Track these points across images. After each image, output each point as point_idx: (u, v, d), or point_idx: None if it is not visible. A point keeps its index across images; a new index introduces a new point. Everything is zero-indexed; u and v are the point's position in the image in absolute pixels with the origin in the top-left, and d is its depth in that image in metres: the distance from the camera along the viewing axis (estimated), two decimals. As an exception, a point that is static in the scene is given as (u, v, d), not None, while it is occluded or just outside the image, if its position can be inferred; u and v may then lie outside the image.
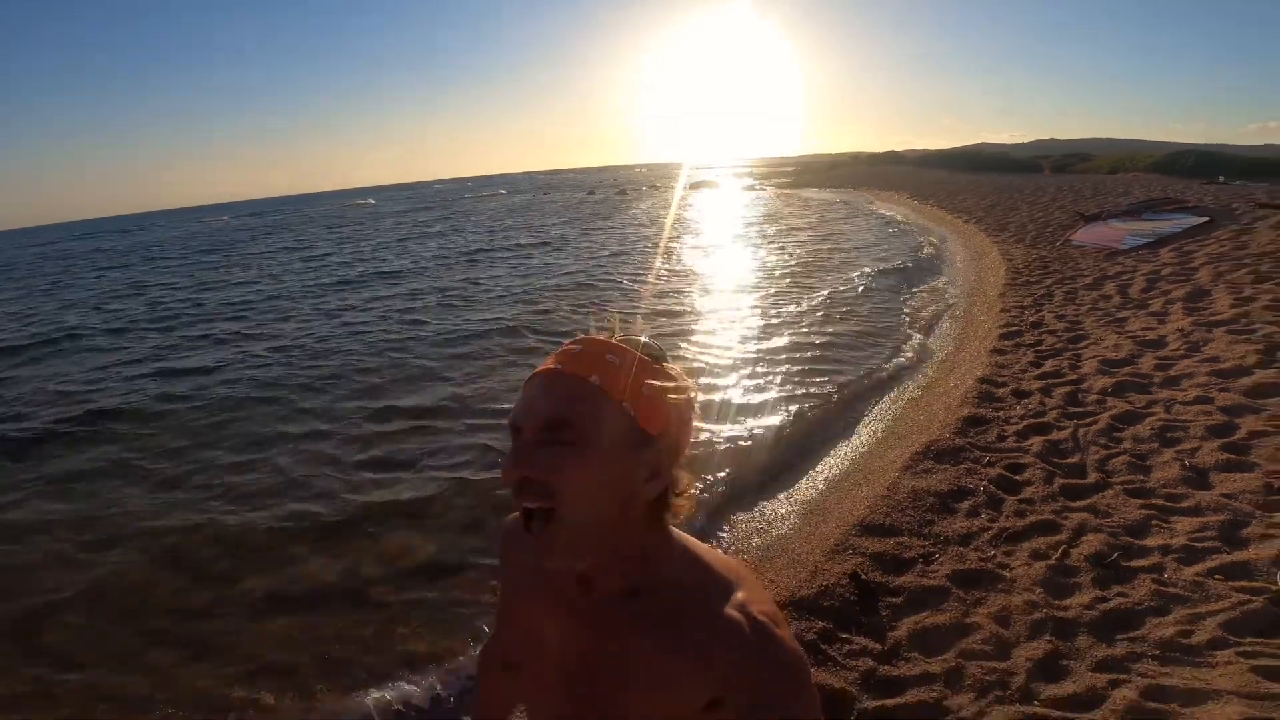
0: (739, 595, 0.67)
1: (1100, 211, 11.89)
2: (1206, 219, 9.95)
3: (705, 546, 0.75)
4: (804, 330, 7.84)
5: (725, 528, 3.68)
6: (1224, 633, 2.29)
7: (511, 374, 6.89)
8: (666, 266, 13.24)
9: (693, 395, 0.71)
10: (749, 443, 4.78)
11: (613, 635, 0.70)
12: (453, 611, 3.12)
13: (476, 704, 0.96)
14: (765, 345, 7.33)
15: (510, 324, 8.85)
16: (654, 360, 0.70)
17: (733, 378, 6.26)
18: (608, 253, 15.43)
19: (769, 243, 15.12)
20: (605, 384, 0.66)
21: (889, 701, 2.15)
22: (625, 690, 0.68)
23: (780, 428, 5.02)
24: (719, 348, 7.39)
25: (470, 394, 6.36)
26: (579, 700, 0.71)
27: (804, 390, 5.78)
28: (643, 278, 11.96)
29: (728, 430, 5.02)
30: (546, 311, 9.66)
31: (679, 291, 10.65)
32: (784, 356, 6.85)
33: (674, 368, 0.71)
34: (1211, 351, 5.20)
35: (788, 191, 32.66)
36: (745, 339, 7.66)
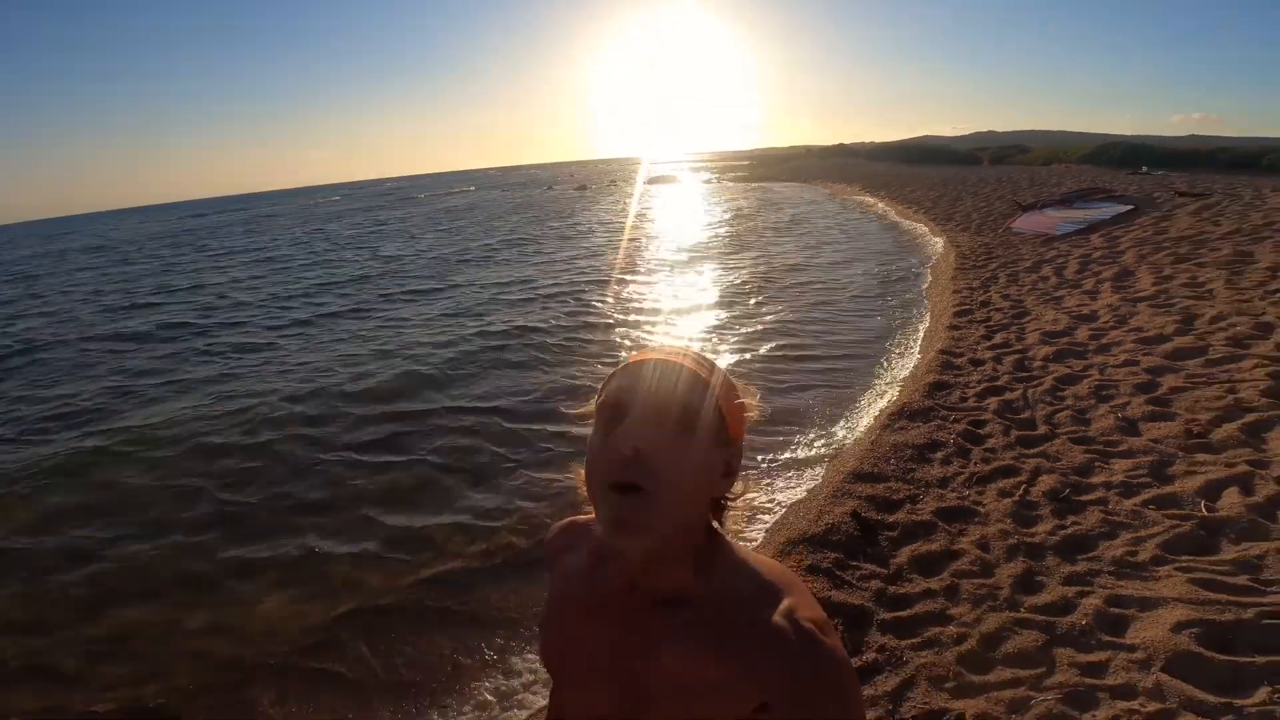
0: (786, 602, 0.67)
1: (1036, 201, 12.73)
2: (1131, 207, 10.83)
3: (753, 553, 0.76)
4: (785, 314, 8.32)
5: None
6: (1163, 552, 2.78)
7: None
8: (641, 265, 13.52)
9: (759, 412, 0.75)
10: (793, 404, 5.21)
11: (659, 639, 0.70)
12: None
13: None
14: (752, 325, 7.78)
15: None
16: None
17: (724, 349, 6.70)
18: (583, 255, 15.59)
19: (745, 238, 15.51)
20: (711, 382, 0.70)
21: (901, 614, 2.58)
22: (669, 695, 0.68)
23: (774, 393, 5.48)
24: (716, 328, 7.81)
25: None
26: (622, 703, 0.71)
27: (786, 364, 6.25)
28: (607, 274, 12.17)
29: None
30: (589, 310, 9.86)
31: (656, 285, 11.00)
32: (768, 337, 7.31)
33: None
34: (1137, 323, 5.85)
35: (751, 185, 32.91)
36: (735, 318, 8.11)
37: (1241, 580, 2.52)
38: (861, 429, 4.49)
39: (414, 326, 9.03)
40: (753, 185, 32.09)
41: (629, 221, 20.33)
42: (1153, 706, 2.00)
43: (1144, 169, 17.66)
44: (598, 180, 52.63)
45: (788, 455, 4.44)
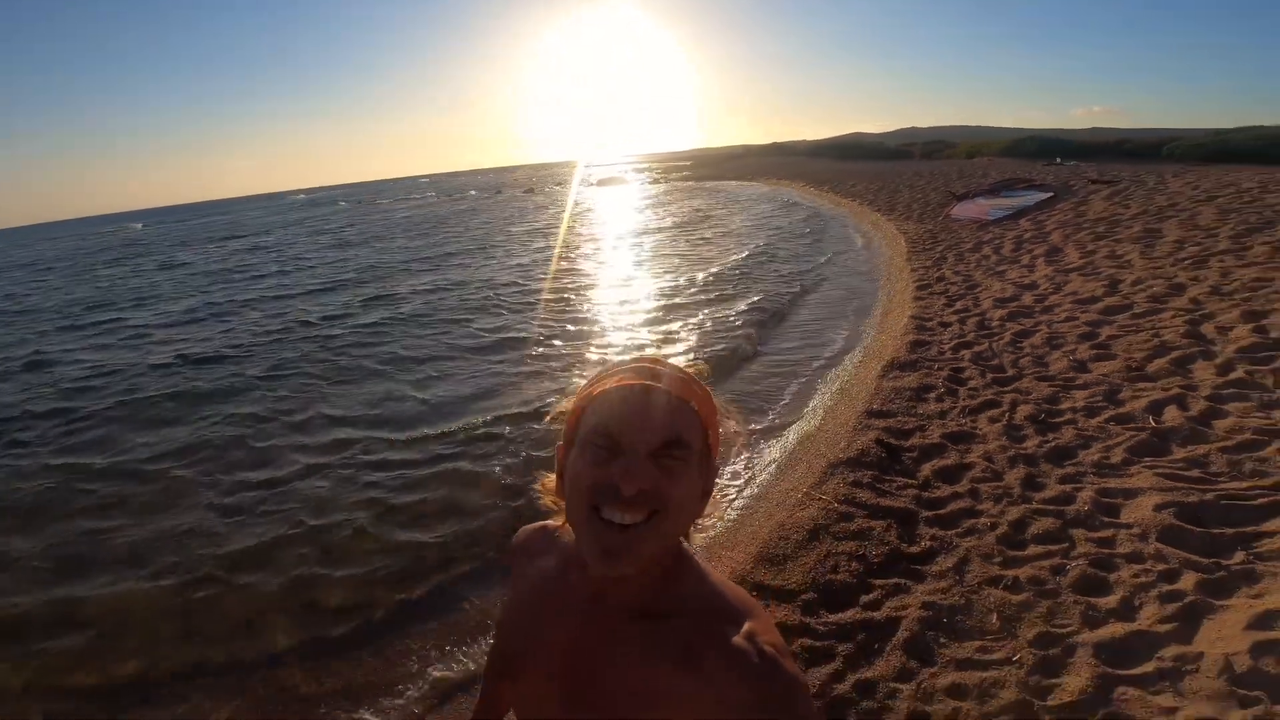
0: (749, 625, 0.67)
1: (968, 191, 13.76)
2: (1051, 194, 11.91)
3: (718, 574, 0.75)
4: (768, 290, 8.87)
5: (773, 416, 4.61)
6: (1129, 455, 3.36)
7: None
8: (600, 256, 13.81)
9: (739, 436, 0.75)
10: (766, 367, 5.73)
11: (620, 655, 0.69)
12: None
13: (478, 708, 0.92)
14: (745, 306, 8.29)
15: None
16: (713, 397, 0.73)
17: (740, 324, 7.18)
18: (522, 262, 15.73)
19: (708, 231, 16.01)
20: (700, 410, 0.69)
21: (940, 512, 3.07)
22: (628, 705, 0.67)
23: (785, 350, 5.98)
24: (717, 313, 8.27)
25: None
26: (578, 709, 0.70)
27: (779, 331, 6.79)
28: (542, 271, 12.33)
29: (750, 370, 5.93)
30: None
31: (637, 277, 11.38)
32: (759, 308, 7.85)
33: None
34: (1070, 289, 6.62)
35: (704, 184, 33.14)
36: (723, 298, 8.59)
37: (1195, 473, 3.11)
38: (861, 379, 5.04)
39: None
40: (705, 185, 32.49)
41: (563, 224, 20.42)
42: (1160, 567, 2.52)
43: (1058, 160, 19.19)
44: (541, 184, 52.26)
45: (797, 401, 4.96)
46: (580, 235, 17.21)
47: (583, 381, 0.75)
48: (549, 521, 0.85)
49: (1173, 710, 1.94)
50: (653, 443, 0.65)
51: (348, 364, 7.04)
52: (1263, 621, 2.19)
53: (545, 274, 11.69)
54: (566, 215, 22.66)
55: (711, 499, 0.74)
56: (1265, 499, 2.84)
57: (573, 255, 13.73)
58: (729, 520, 3.35)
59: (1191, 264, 6.72)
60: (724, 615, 0.68)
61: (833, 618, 2.46)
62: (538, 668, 0.74)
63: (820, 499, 3.19)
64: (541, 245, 15.75)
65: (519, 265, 13.02)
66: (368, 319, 9.17)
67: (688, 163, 60.57)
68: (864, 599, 2.55)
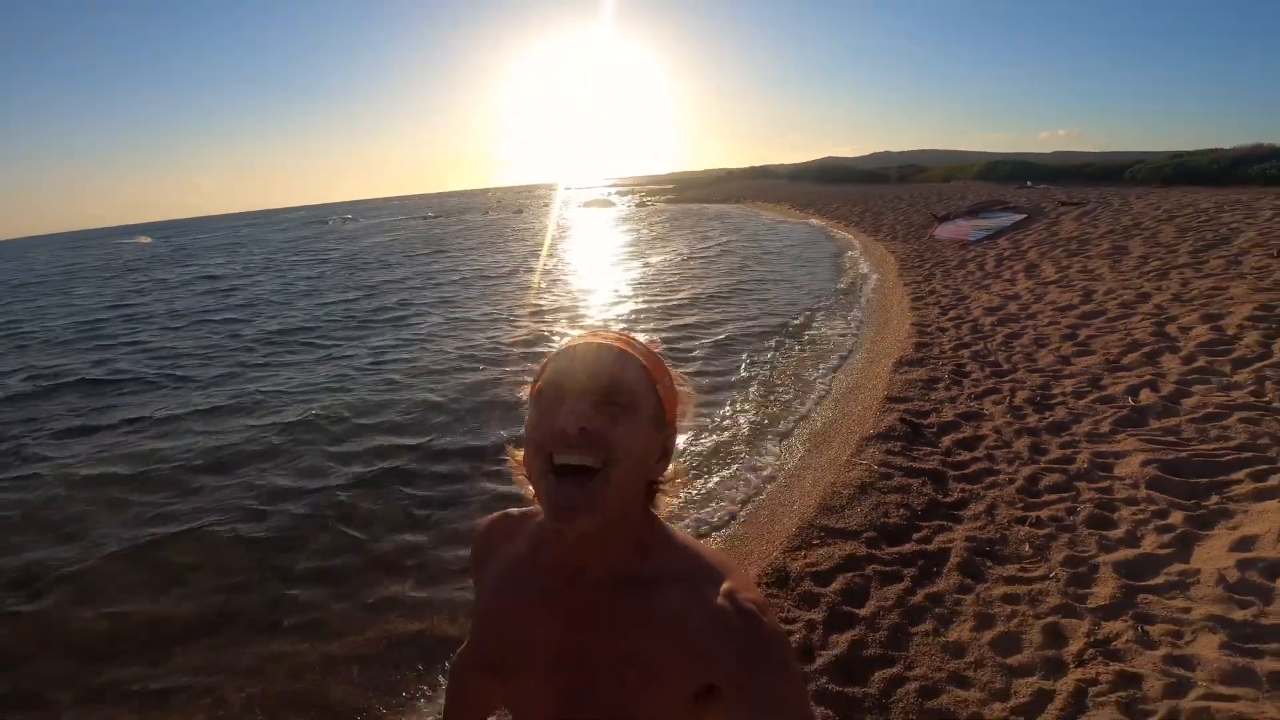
0: (727, 584, 0.67)
1: (948, 213, 14.63)
2: (1025, 215, 12.79)
3: (692, 538, 0.75)
4: (783, 303, 9.49)
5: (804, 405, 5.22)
6: (1114, 426, 3.95)
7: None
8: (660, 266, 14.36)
9: (692, 399, 0.76)
10: (805, 361, 6.31)
11: (607, 626, 0.69)
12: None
13: (450, 710, 0.91)
14: (769, 323, 8.87)
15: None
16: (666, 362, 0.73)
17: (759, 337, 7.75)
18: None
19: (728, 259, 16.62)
20: (648, 365, 0.70)
21: (964, 471, 3.62)
22: (621, 681, 0.67)
23: (805, 350, 6.57)
24: (732, 331, 8.84)
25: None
26: (573, 694, 0.69)
27: (805, 340, 7.40)
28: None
29: (760, 374, 6.49)
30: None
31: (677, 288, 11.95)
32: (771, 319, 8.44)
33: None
34: (1050, 298, 7.32)
35: (690, 207, 33.50)
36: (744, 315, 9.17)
37: (1170, 439, 3.70)
38: (875, 375, 5.63)
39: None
40: (692, 207, 33.22)
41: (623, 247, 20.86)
42: (1153, 507, 3.08)
43: (1029, 183, 20.33)
44: (529, 206, 52.72)
45: (823, 388, 5.57)
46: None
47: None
48: (510, 510, 0.85)
49: (1187, 609, 2.45)
50: (594, 388, 0.66)
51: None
52: (1243, 545, 2.74)
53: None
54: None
55: (675, 463, 0.73)
56: (1230, 457, 3.44)
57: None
58: (779, 485, 3.91)
59: (1155, 276, 7.48)
60: (703, 577, 0.68)
61: (893, 549, 2.98)
62: (532, 662, 0.73)
63: (862, 464, 3.73)
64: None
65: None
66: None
67: (670, 186, 60.88)
68: (915, 536, 3.08)
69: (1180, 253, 8.40)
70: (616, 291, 11.66)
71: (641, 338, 0.74)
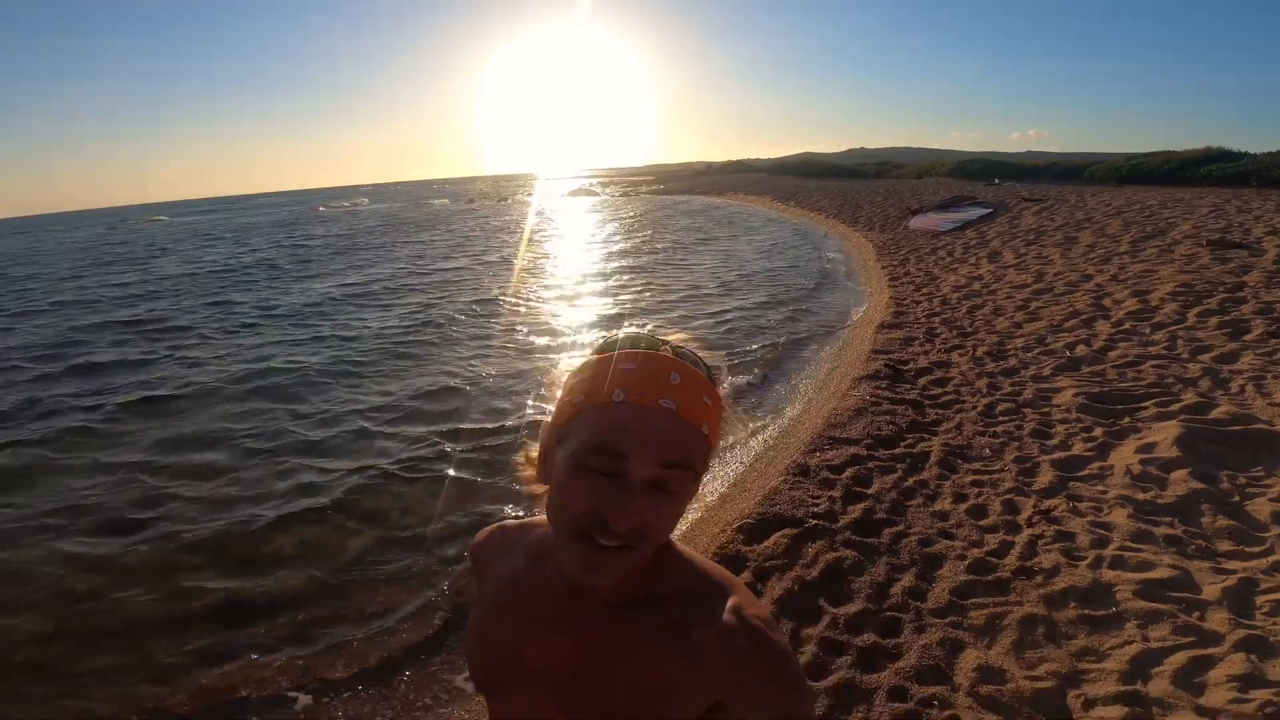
0: (733, 600, 0.66)
1: (921, 206, 15.65)
2: (991, 210, 13.85)
3: (692, 551, 0.73)
4: (777, 281, 10.35)
5: (802, 362, 6.02)
6: (1054, 371, 4.84)
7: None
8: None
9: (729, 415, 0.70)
10: (798, 324, 7.18)
11: (612, 646, 0.67)
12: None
13: None
14: (764, 298, 9.72)
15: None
16: (714, 382, 0.66)
17: (759, 307, 8.59)
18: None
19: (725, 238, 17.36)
20: (710, 432, 0.63)
21: (938, 401, 4.49)
22: (622, 699, 0.65)
23: (801, 324, 7.45)
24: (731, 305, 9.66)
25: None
26: (577, 713, 0.67)
27: (796, 309, 8.27)
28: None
29: (768, 338, 7.34)
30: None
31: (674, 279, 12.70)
32: (780, 304, 9.29)
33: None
34: (1008, 279, 8.28)
35: (676, 199, 33.79)
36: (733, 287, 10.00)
37: (1097, 379, 4.63)
38: (861, 335, 6.52)
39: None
40: (678, 199, 33.72)
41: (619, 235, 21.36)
42: (1080, 424, 3.95)
43: (996, 180, 21.54)
44: (512, 194, 52.64)
45: (817, 345, 6.45)
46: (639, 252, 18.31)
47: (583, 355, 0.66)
48: (506, 521, 0.82)
49: (1105, 492, 3.28)
50: (651, 471, 0.60)
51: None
52: (1146, 449, 3.62)
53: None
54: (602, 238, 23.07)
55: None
56: (1141, 391, 4.36)
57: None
58: (798, 408, 4.81)
59: (1099, 261, 8.51)
60: (709, 594, 0.67)
61: (887, 452, 3.83)
62: (528, 677, 0.70)
63: (856, 395, 4.59)
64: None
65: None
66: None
67: (651, 177, 60.99)
68: (903, 443, 3.93)
69: (1122, 242, 9.47)
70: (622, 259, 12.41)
71: (686, 339, 0.67)
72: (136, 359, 7.65)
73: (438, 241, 19.92)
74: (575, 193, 46.19)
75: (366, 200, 59.32)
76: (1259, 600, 2.51)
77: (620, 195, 40.92)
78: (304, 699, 2.60)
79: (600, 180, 70.06)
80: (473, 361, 6.92)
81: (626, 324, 0.72)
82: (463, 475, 4.26)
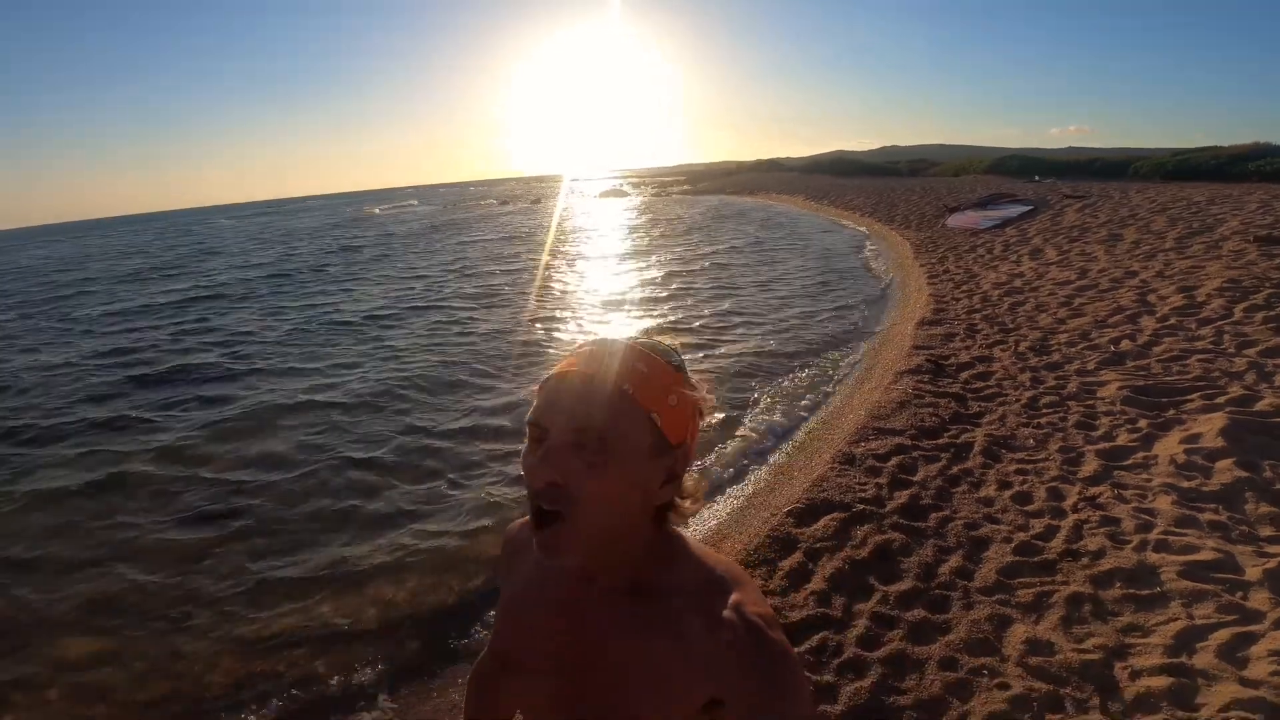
0: (734, 596, 0.66)
1: (959, 204, 15.47)
2: (1031, 207, 13.64)
3: (704, 547, 0.73)
4: (822, 279, 10.44)
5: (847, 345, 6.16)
6: (1099, 365, 4.86)
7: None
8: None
9: (710, 404, 0.70)
10: (839, 322, 7.30)
11: (614, 635, 0.68)
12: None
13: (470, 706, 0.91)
14: (810, 293, 9.83)
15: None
16: (676, 369, 0.68)
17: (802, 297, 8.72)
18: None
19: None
20: (637, 393, 0.64)
21: (980, 395, 4.57)
22: (625, 690, 0.67)
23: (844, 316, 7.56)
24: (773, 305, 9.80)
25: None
26: (576, 699, 0.70)
27: (838, 306, 8.37)
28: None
29: (813, 329, 7.47)
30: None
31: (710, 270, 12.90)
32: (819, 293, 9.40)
33: (692, 377, 0.69)
34: (1050, 276, 8.22)
35: (709, 198, 33.79)
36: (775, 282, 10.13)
37: (1141, 373, 4.65)
38: (901, 332, 6.60)
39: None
40: (711, 198, 33.67)
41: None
42: (1125, 416, 3.99)
43: (1036, 177, 21.10)
44: (546, 196, 53.16)
45: (861, 340, 6.58)
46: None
47: None
48: None
49: (1149, 480, 3.35)
50: (569, 433, 0.62)
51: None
52: (1190, 439, 3.65)
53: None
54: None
55: (692, 477, 0.70)
56: (1186, 384, 4.38)
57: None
58: (840, 399, 4.98)
59: (1144, 257, 8.37)
60: (712, 588, 0.67)
61: (930, 442, 3.95)
62: (534, 658, 0.74)
63: (899, 388, 4.71)
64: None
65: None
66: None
67: (681, 178, 60.72)
68: (946, 434, 4.04)
69: (1168, 239, 9.28)
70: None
71: (667, 339, 0.70)
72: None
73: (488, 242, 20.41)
74: (606, 194, 46.51)
75: (416, 202, 61.86)
76: (1302, 583, 2.58)
77: (654, 195, 41.19)
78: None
79: (631, 181, 70.13)
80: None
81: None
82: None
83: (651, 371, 0.66)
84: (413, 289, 12.40)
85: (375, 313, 10.23)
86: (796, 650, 2.38)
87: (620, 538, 0.67)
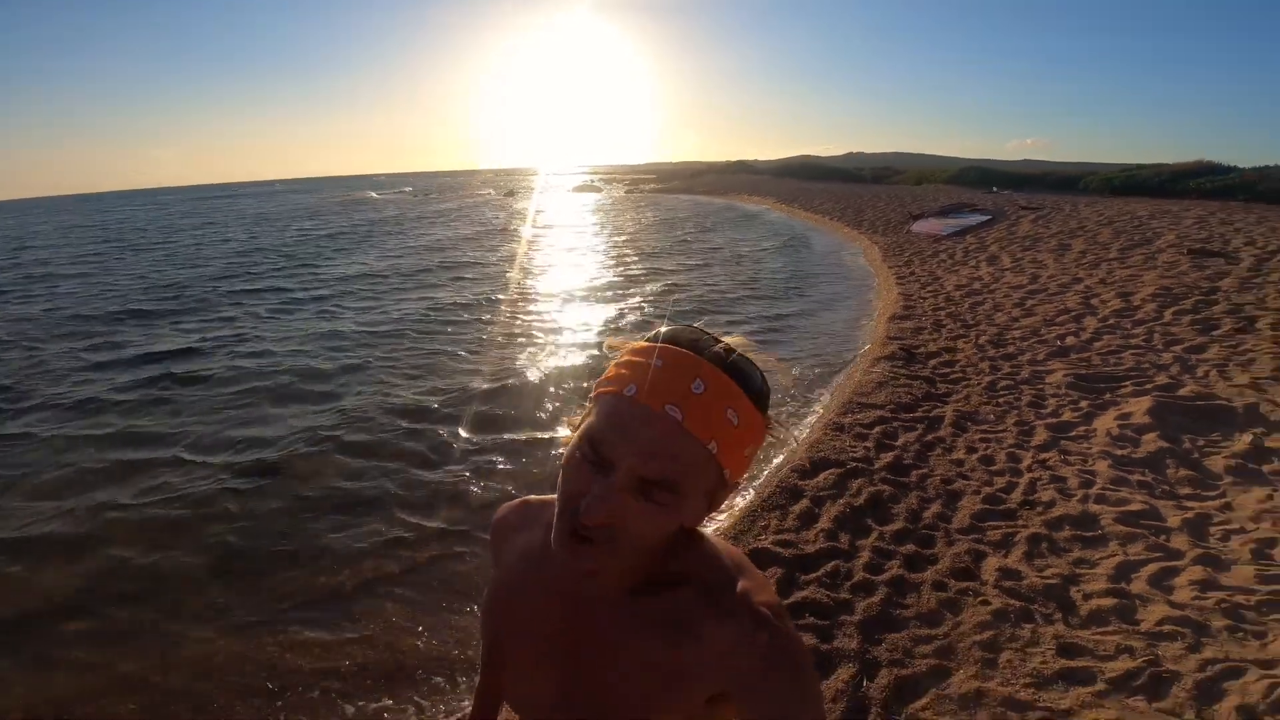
0: (741, 585, 0.64)
1: (922, 212, 16.33)
2: (990, 217, 14.54)
3: (709, 536, 0.70)
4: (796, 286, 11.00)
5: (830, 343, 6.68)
6: (1047, 356, 5.51)
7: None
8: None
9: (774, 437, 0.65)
10: (819, 319, 7.82)
11: (618, 628, 0.66)
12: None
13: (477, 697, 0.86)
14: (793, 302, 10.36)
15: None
16: (763, 414, 0.62)
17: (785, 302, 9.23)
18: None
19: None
20: (720, 452, 0.59)
21: (948, 378, 5.14)
22: (627, 681, 0.65)
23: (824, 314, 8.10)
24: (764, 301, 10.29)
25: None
26: (573, 690, 0.67)
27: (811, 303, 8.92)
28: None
29: (799, 333, 7.99)
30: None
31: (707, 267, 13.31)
32: (796, 297, 9.94)
33: (771, 415, 0.64)
34: (1005, 280, 8.94)
35: (681, 197, 33.99)
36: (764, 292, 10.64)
37: (1084, 365, 5.29)
38: (873, 328, 7.19)
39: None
40: (684, 197, 33.99)
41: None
42: (1069, 398, 4.60)
43: (994, 189, 22.27)
44: (519, 189, 52.44)
45: (843, 333, 7.12)
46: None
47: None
48: (530, 497, 0.81)
49: (1090, 448, 3.94)
50: (635, 478, 0.57)
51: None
52: (1123, 417, 4.27)
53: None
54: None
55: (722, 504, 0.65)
56: (1121, 373, 5.03)
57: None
58: (835, 384, 5.49)
59: (1089, 266, 9.20)
60: (719, 580, 0.65)
61: (907, 415, 4.48)
62: (526, 650, 0.71)
63: (876, 371, 5.25)
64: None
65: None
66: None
67: (651, 175, 60.49)
68: (920, 409, 4.58)
69: (1112, 249, 10.17)
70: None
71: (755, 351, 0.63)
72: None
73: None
74: (579, 188, 46.56)
75: (410, 189, 61.07)
76: (1211, 530, 3.16)
77: (625, 193, 41.16)
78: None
79: (601, 177, 69.42)
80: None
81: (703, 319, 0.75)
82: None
83: (741, 422, 0.59)
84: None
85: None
86: (814, 575, 2.85)
87: (649, 552, 0.64)
